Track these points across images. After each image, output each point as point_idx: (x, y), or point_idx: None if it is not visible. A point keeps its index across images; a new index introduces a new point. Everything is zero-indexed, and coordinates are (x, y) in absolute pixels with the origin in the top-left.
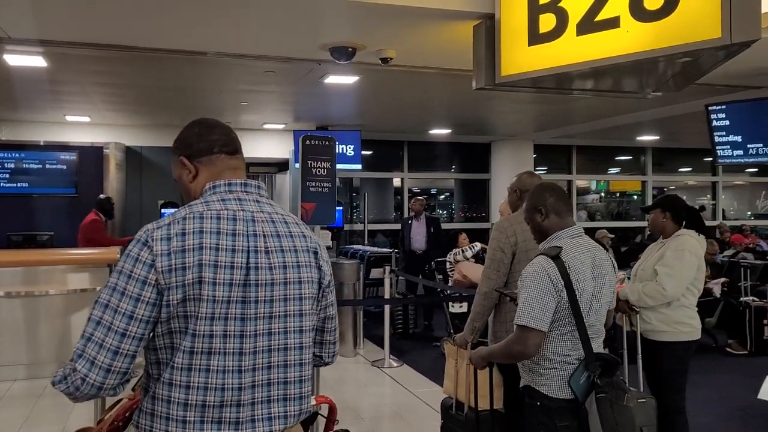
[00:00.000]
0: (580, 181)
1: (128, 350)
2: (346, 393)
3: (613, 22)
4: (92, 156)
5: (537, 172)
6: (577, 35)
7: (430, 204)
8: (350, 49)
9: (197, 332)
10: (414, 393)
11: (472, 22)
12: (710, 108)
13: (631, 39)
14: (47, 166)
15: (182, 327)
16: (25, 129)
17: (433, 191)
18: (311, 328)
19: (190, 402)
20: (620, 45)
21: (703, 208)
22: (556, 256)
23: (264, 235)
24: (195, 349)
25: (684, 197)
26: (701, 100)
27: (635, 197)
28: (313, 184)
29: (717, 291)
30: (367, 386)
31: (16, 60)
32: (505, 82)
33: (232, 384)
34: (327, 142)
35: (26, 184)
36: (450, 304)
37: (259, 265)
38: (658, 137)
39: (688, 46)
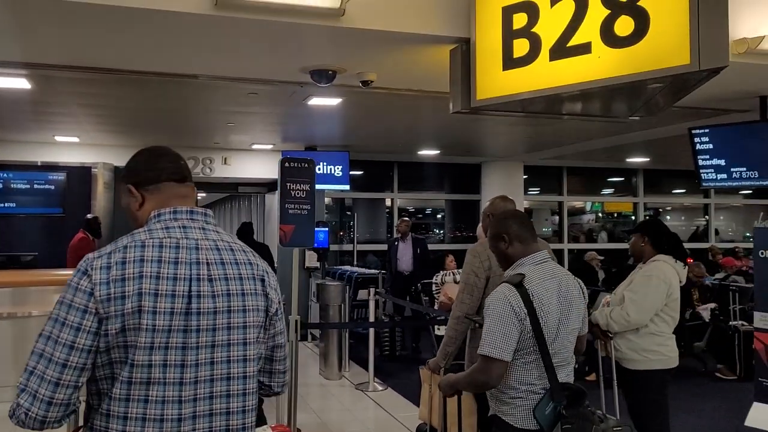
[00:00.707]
0: (576, 202)
1: (69, 381)
2: (329, 417)
3: (584, 48)
4: (80, 176)
5: (528, 195)
6: (550, 60)
7: (424, 224)
8: (330, 72)
9: (135, 362)
10: (396, 418)
11: (449, 46)
12: (693, 131)
13: (602, 64)
14: (35, 186)
15: (122, 357)
16: (15, 149)
17: (428, 211)
18: (256, 358)
19: None
20: (592, 70)
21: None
22: (518, 284)
23: (207, 263)
24: (133, 380)
25: (681, 218)
26: (686, 123)
27: (633, 218)
28: (292, 206)
29: (706, 315)
30: (350, 410)
31: None
32: (480, 106)
33: (171, 415)
34: (306, 164)
35: (13, 204)
36: (436, 326)
37: (202, 293)
38: (648, 159)
39: (657, 72)
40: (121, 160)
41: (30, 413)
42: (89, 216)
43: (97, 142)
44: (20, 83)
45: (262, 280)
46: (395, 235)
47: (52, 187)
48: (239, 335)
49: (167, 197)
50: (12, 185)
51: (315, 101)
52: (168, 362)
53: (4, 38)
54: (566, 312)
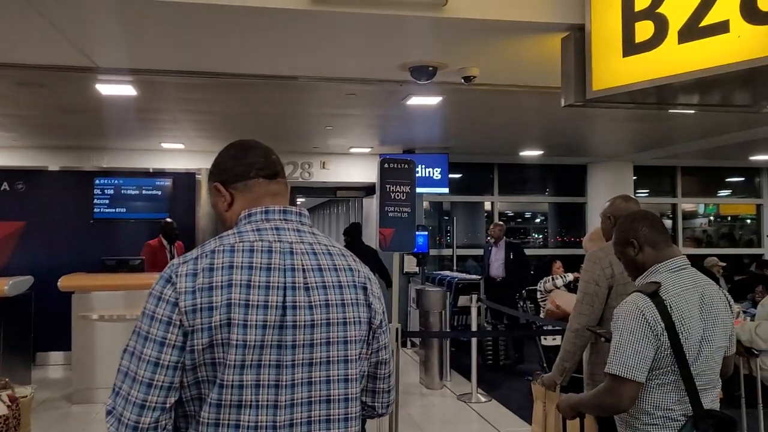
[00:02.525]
0: (687, 205)
1: (156, 403)
2: (431, 430)
3: (721, 27)
4: (185, 182)
5: (637, 196)
6: (679, 43)
7: (523, 229)
8: (431, 69)
9: (225, 382)
10: None
11: (561, 35)
12: None
13: (742, 45)
14: (143, 192)
15: (210, 376)
16: (125, 156)
17: (528, 215)
18: (359, 377)
19: None
20: (730, 52)
21: None
22: (653, 293)
23: (303, 270)
24: (223, 402)
25: None
26: None
27: (748, 221)
28: (392, 208)
29: None
30: (452, 423)
31: (107, 89)
32: (596, 98)
33: None
34: (406, 165)
35: (123, 210)
36: (542, 336)
37: (298, 303)
38: None
39: None
40: None
41: None
42: (164, 220)
43: (201, 149)
44: (126, 90)
45: (365, 288)
46: (489, 240)
47: (159, 193)
48: (340, 351)
49: (257, 196)
50: (122, 191)
51: (414, 101)
52: (261, 382)
53: (112, 45)
54: (710, 327)
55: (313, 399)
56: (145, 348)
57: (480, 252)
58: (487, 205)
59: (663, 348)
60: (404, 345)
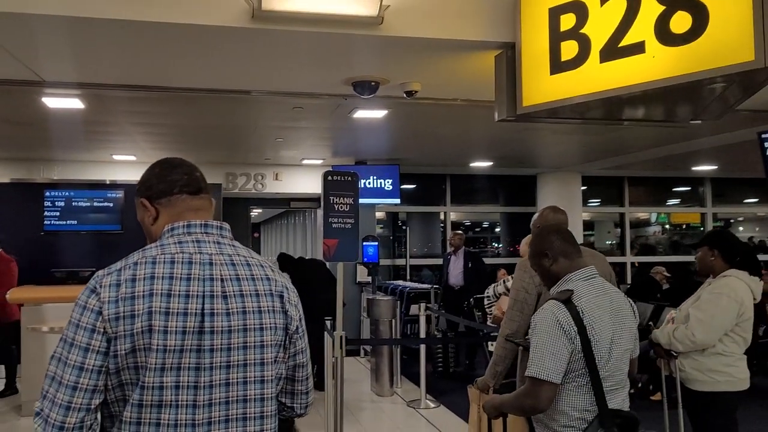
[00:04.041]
0: (641, 214)
1: (81, 404)
2: None
3: (638, 48)
4: None
5: (588, 206)
6: (601, 62)
7: (481, 238)
8: (373, 84)
9: (146, 384)
10: None
11: (494, 52)
12: (763, 135)
13: (657, 64)
14: (95, 204)
15: (133, 379)
16: (76, 168)
17: (485, 225)
18: (275, 378)
19: None
20: (646, 71)
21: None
22: (567, 300)
23: (222, 279)
24: (144, 402)
25: (756, 229)
26: (759, 127)
27: (701, 229)
28: (336, 220)
29: None
30: (401, 429)
31: (54, 102)
32: (527, 113)
33: None
34: (349, 178)
35: (75, 222)
36: (489, 343)
37: (215, 311)
38: (717, 167)
39: (718, 70)
40: None
41: None
42: None
43: (153, 161)
44: (73, 103)
45: (281, 296)
46: (449, 249)
47: (111, 205)
48: (256, 355)
49: (180, 210)
50: (73, 203)
51: (360, 114)
52: (180, 384)
53: (57, 59)
54: (619, 331)
55: (230, 399)
56: (70, 354)
57: (436, 261)
58: (441, 215)
59: (576, 351)
60: (357, 354)
